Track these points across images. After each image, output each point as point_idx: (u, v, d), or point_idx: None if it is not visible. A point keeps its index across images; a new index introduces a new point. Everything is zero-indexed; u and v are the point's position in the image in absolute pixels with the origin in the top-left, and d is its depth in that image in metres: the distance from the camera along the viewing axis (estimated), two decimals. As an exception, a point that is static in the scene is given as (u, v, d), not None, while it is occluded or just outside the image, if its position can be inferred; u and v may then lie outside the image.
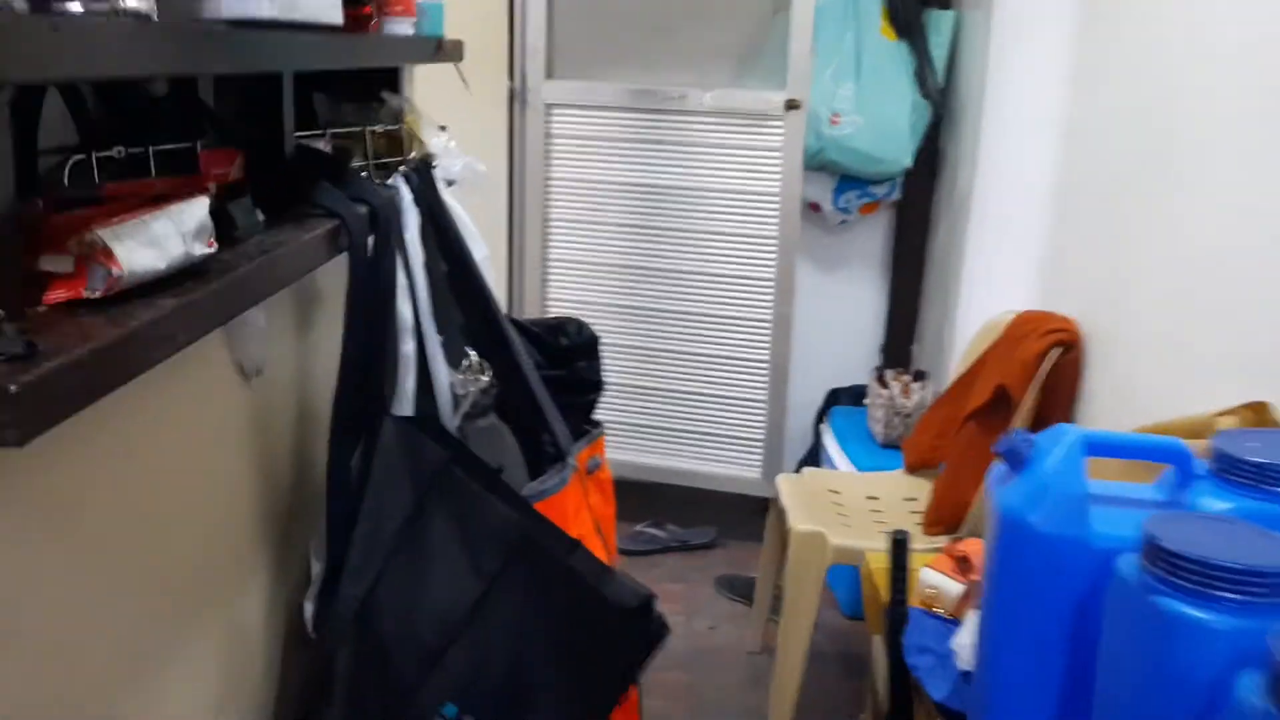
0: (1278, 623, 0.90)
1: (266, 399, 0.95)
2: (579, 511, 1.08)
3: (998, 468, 1.30)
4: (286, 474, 1.01)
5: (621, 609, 0.94)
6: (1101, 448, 1.21)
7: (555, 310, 3.08)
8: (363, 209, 0.95)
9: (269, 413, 0.96)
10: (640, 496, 3.24)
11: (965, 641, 1.53)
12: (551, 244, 3.07)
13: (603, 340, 3.07)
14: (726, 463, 3.13)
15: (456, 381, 1.06)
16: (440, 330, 1.06)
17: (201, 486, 0.84)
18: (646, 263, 3.03)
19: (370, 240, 0.97)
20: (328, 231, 0.89)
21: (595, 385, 1.18)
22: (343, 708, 0.90)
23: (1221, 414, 1.48)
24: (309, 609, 0.96)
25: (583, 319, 1.19)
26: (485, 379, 1.06)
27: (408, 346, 1.01)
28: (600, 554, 1.08)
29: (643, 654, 0.96)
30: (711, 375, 3.08)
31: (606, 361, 3.15)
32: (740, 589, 2.82)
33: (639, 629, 0.94)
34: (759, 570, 2.57)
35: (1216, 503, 1.14)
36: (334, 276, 0.97)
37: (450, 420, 1.05)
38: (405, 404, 1.01)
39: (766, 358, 3.02)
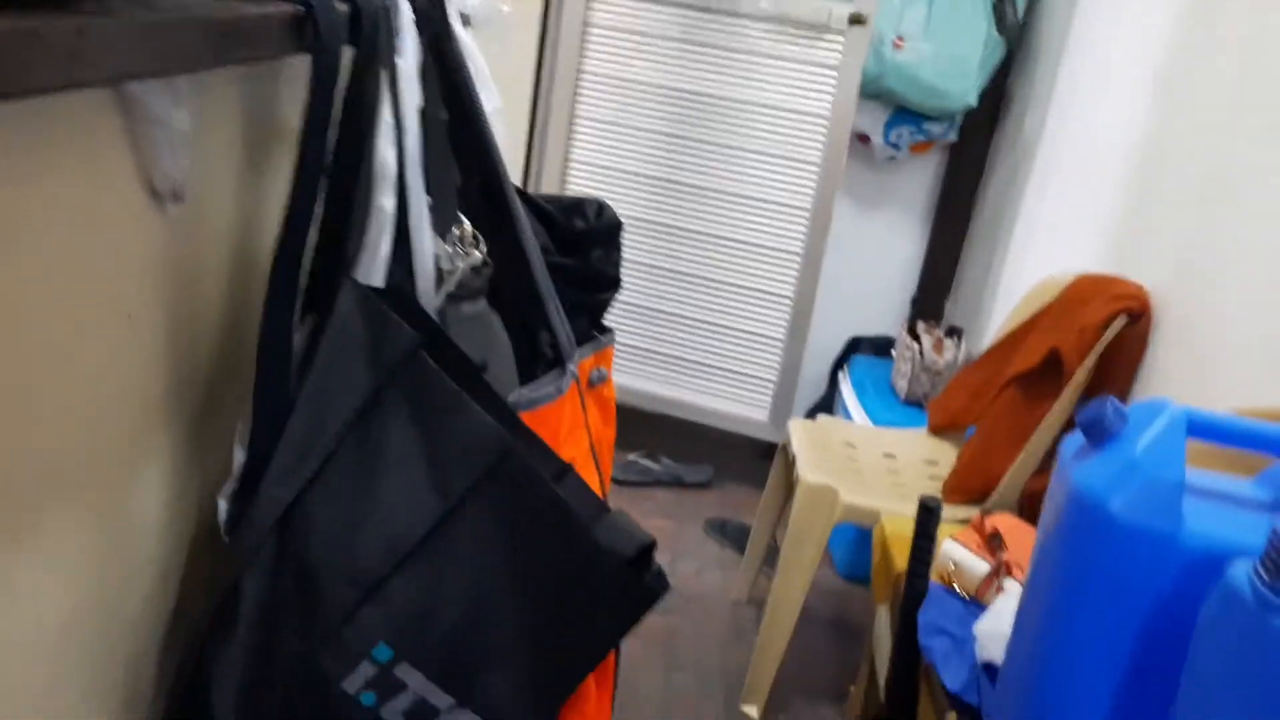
0: None
1: (190, 235, 0.74)
2: (575, 430, 0.89)
3: (1073, 440, 1.10)
4: (213, 336, 0.81)
5: (615, 556, 0.74)
6: (1207, 430, 1.01)
7: (571, 215, 2.86)
8: (342, 4, 0.74)
9: (193, 254, 0.76)
10: (638, 424, 3.05)
11: (992, 630, 1.35)
12: (576, 144, 2.83)
13: (626, 258, 2.89)
14: (733, 400, 2.94)
15: (443, 254, 0.85)
16: (430, 190, 0.85)
17: (85, 342, 0.64)
18: (674, 175, 2.80)
19: (349, 53, 0.76)
20: (287, 16, 0.67)
21: (611, 281, 0.98)
22: (248, 637, 0.72)
23: (1327, 408, 1.28)
24: (223, 508, 0.77)
25: (605, 202, 0.98)
26: (478, 256, 0.86)
27: (385, 201, 0.80)
28: (594, 483, 0.89)
29: (634, 613, 0.78)
30: (729, 304, 2.87)
31: (627, 279, 2.95)
32: (732, 534, 2.65)
33: (633, 583, 0.75)
34: (756, 518, 2.39)
35: (1338, 511, 0.94)
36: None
37: (430, 299, 0.84)
38: (375, 272, 0.81)
39: (790, 293, 2.81)
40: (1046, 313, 2.05)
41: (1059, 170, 2.46)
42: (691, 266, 2.86)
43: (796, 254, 2.78)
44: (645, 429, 3.04)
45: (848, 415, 2.72)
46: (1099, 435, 1.05)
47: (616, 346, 2.99)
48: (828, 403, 3.06)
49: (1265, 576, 0.79)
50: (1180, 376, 1.75)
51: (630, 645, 2.19)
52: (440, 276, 0.86)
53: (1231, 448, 1.13)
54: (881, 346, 3.01)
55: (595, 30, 2.75)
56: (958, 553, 1.57)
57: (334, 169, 0.76)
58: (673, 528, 2.71)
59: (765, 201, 2.77)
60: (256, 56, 0.64)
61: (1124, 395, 1.86)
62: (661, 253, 2.87)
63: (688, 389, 2.96)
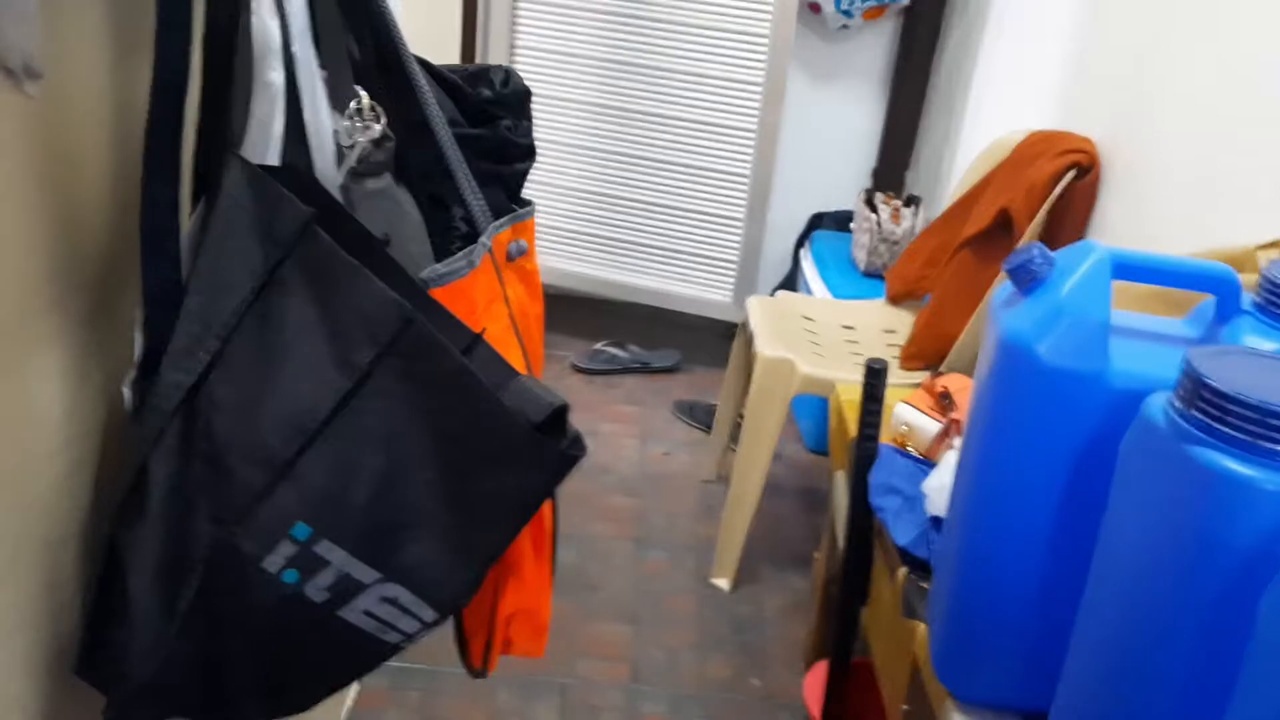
0: (1347, 488, 0.71)
1: (60, 115, 0.71)
2: (492, 304, 0.87)
3: (1004, 288, 1.10)
4: (101, 220, 0.78)
5: (525, 422, 0.74)
6: (1132, 270, 1.01)
7: (520, 103, 2.80)
8: None
9: (66, 134, 0.73)
10: (603, 313, 3.05)
11: (938, 484, 1.37)
12: (520, 30, 2.75)
13: (572, 142, 2.83)
14: (696, 283, 2.93)
15: (341, 129, 0.83)
16: (324, 64, 0.82)
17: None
18: (623, 56, 2.74)
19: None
20: None
21: (525, 151, 0.95)
22: (160, 519, 0.72)
23: (1264, 246, 1.28)
24: (127, 395, 0.76)
25: (512, 68, 0.95)
26: (378, 128, 0.83)
27: (272, 75, 0.77)
28: (516, 357, 0.88)
29: (549, 478, 0.78)
30: (686, 187, 2.83)
31: (574, 164, 2.91)
32: (699, 415, 2.67)
33: (546, 448, 0.75)
34: (720, 396, 2.41)
35: (1263, 341, 0.95)
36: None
37: (330, 176, 0.82)
38: (269, 150, 0.78)
39: (747, 171, 2.77)
40: (997, 173, 2.03)
41: (1011, 27, 2.41)
42: (646, 150, 2.81)
43: (751, 131, 2.74)
44: (611, 317, 3.04)
45: (810, 291, 2.71)
46: (1026, 281, 1.05)
47: (577, 236, 2.96)
48: (791, 280, 3.06)
49: (1179, 405, 0.79)
50: (1127, 228, 1.74)
51: (600, 527, 2.24)
52: (340, 153, 0.84)
53: (1162, 287, 1.13)
54: (844, 221, 2.99)
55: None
56: (909, 414, 1.59)
57: (207, 42, 0.73)
58: (642, 412, 2.73)
59: (716, 78, 2.71)
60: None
61: (1074, 250, 1.86)
62: (615, 137, 2.82)
63: (651, 275, 2.95)
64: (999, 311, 1.07)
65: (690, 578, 2.13)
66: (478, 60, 2.70)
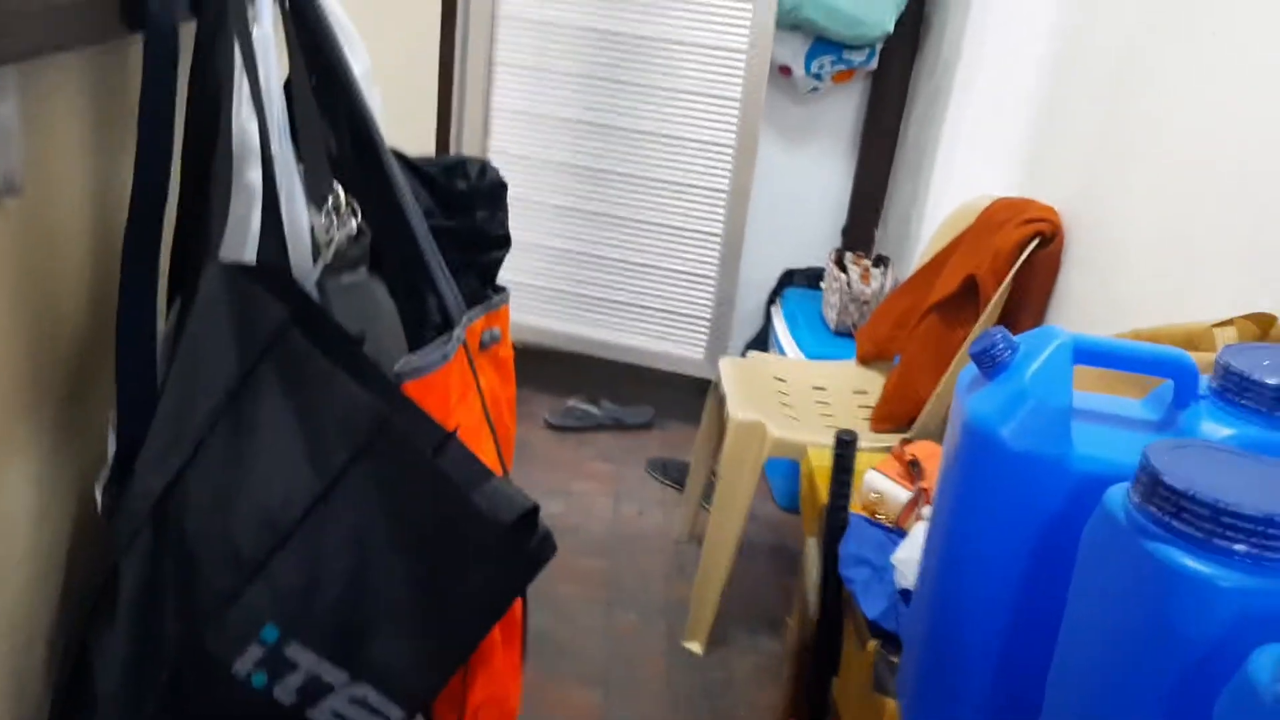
0: (1299, 585, 0.73)
1: (37, 225, 0.72)
2: (465, 395, 0.88)
3: (969, 371, 1.12)
4: (76, 325, 0.79)
5: (497, 524, 0.75)
6: (1094, 356, 1.04)
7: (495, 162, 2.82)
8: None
9: (43, 243, 0.74)
10: (576, 369, 3.06)
11: (907, 557, 1.38)
12: (497, 90, 2.79)
13: (547, 201, 2.86)
14: (669, 340, 2.95)
15: (318, 224, 0.84)
16: (301, 160, 0.84)
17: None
18: (597, 117, 2.77)
19: (191, 20, 0.74)
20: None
21: (498, 241, 0.97)
22: (130, 620, 0.71)
23: (1219, 324, 1.31)
24: (99, 497, 0.76)
25: (489, 161, 0.97)
26: (354, 223, 0.85)
27: (251, 175, 0.78)
28: (487, 448, 0.89)
29: (520, 578, 0.79)
30: (660, 245, 2.86)
31: (549, 222, 2.93)
32: (673, 473, 2.68)
33: (516, 549, 0.76)
34: (693, 456, 2.42)
35: (1219, 428, 0.97)
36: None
37: (307, 272, 0.83)
38: (246, 248, 0.79)
39: (719, 230, 2.81)
40: (964, 238, 2.07)
41: (976, 93, 2.47)
42: (621, 208, 2.85)
43: (723, 190, 2.78)
44: (585, 373, 3.05)
45: (781, 349, 2.74)
46: (990, 366, 1.07)
47: (553, 293, 2.98)
48: (763, 337, 3.09)
49: (1137, 500, 0.81)
50: (1090, 296, 1.78)
51: (570, 589, 2.23)
52: (317, 249, 0.85)
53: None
54: (814, 278, 3.03)
55: (507, -28, 2.69)
56: (880, 482, 1.61)
57: (187, 144, 0.75)
58: (615, 470, 2.73)
59: (689, 140, 2.75)
60: (81, 41, 0.62)
61: (1039, 316, 1.90)
62: (591, 196, 2.85)
63: (625, 332, 2.97)
64: (964, 394, 1.09)
65: (662, 640, 2.13)
66: (454, 122, 2.73)
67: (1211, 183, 1.47)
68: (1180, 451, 0.84)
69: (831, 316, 2.70)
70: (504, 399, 0.99)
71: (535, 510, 0.78)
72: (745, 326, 3.14)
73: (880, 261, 2.72)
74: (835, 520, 1.49)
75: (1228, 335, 1.29)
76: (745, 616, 2.20)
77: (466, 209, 0.94)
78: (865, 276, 2.63)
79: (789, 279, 3.10)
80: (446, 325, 0.88)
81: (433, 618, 0.75)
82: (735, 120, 2.70)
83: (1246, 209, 1.40)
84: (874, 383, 2.25)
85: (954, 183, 2.51)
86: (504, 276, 3.17)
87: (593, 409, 2.92)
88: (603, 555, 2.37)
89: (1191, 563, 0.75)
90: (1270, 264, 1.34)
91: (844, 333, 2.65)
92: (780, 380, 2.26)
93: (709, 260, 2.85)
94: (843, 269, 2.69)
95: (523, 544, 0.77)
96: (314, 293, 0.83)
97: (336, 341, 0.77)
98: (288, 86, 0.86)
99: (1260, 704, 0.64)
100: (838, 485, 1.49)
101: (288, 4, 0.83)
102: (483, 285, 0.96)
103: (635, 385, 3.03)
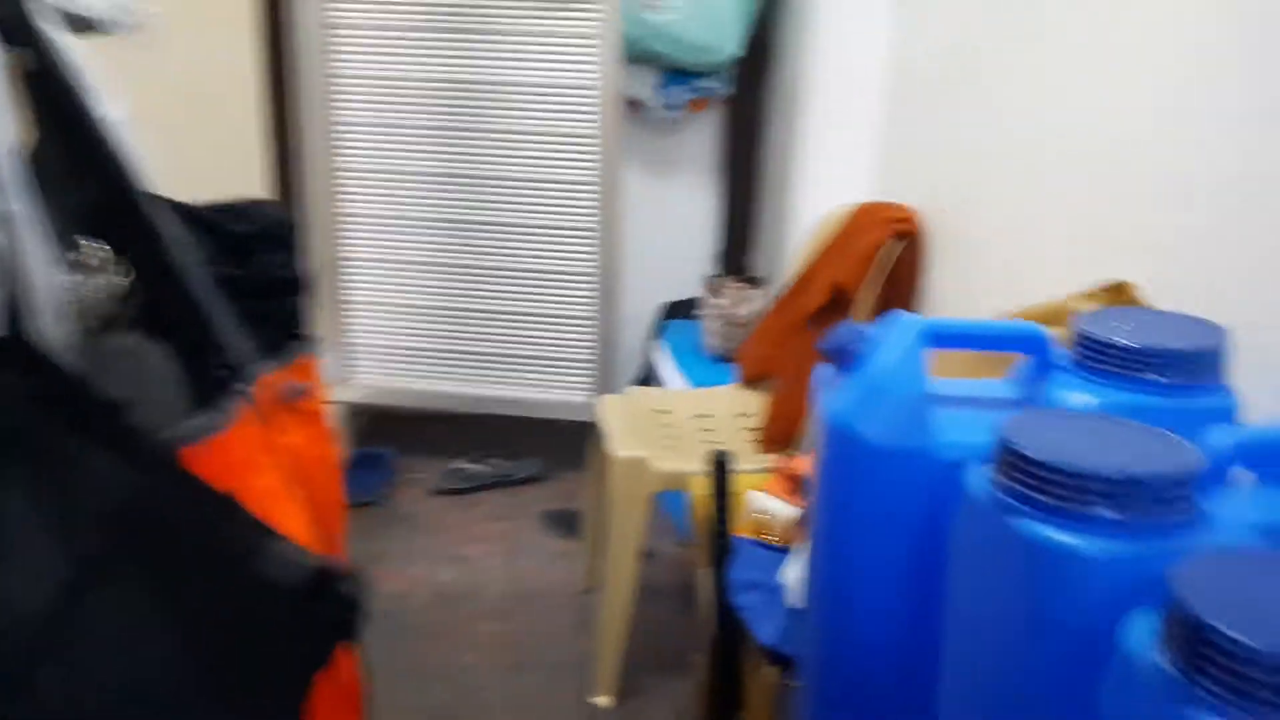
0: (1168, 545, 0.69)
1: None
2: (258, 456, 0.79)
3: (825, 369, 1.07)
4: None
5: (283, 588, 0.66)
6: (944, 338, 1.00)
7: (347, 225, 2.72)
8: None
9: None
10: (460, 430, 2.95)
11: (795, 575, 1.32)
12: (339, 151, 2.70)
13: (409, 258, 2.77)
14: (553, 387, 2.87)
15: (67, 284, 0.74)
16: (45, 217, 0.74)
17: None
18: (453, 169, 2.70)
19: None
20: None
21: (289, 284, 0.88)
22: None
23: (1079, 297, 1.29)
24: None
25: (273, 199, 0.89)
26: (111, 280, 0.75)
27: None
28: (293, 512, 0.80)
29: (321, 643, 0.70)
30: (534, 291, 2.79)
31: (415, 280, 2.83)
32: (569, 524, 2.59)
33: (311, 612, 0.67)
34: (585, 501, 2.33)
35: (1080, 396, 0.93)
36: None
37: (57, 339, 0.73)
38: (-13, 316, 0.69)
39: (593, 270, 2.75)
40: (828, 248, 2.05)
41: (826, 108, 2.48)
42: (488, 259, 2.77)
43: (593, 230, 2.72)
44: (469, 433, 2.95)
45: (666, 382, 2.68)
46: (843, 361, 1.02)
47: (424, 353, 2.86)
48: (648, 373, 3.03)
49: (995, 477, 0.76)
50: (954, 290, 1.77)
51: (465, 659, 2.12)
52: (79, 310, 0.75)
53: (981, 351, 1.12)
54: (693, 308, 2.99)
55: (340, 31, 2.61)
56: (764, 502, 1.55)
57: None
58: (508, 529, 2.63)
59: (551, 181, 2.70)
60: None
61: (908, 317, 1.88)
62: (453, 249, 2.76)
63: (506, 384, 2.88)
64: (822, 393, 1.04)
65: (571, 699, 2.02)
66: (295, 188, 2.63)
67: (1055, 171, 1.47)
68: (1036, 422, 0.80)
69: (712, 343, 2.66)
70: (319, 459, 0.90)
71: (326, 570, 0.69)
72: (629, 365, 3.08)
73: (754, 283, 2.70)
74: (720, 545, 1.42)
75: (1088, 307, 1.28)
76: (656, 662, 2.11)
77: (250, 253, 0.85)
78: (740, 299, 2.60)
79: (669, 312, 3.06)
80: (232, 382, 0.79)
81: (235, 702, 0.65)
82: (597, 157, 2.65)
83: (1080, 190, 1.40)
84: (757, 404, 2.20)
85: (817, 197, 2.50)
86: (372, 341, 3.03)
87: (479, 468, 2.82)
88: (502, 618, 2.26)
89: (1057, 535, 0.70)
90: (1111, 235, 1.34)
91: (726, 358, 2.61)
92: (662, 412, 2.20)
93: (585, 301, 2.79)
94: (717, 294, 2.65)
95: (315, 606, 0.68)
96: (68, 361, 0.73)
97: (94, 413, 0.67)
98: (40, 143, 0.77)
99: (1141, 675, 0.58)
100: (717, 510, 1.42)
101: (29, 60, 0.75)
102: (287, 337, 0.87)
103: (524, 438, 2.94)
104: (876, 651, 1.01)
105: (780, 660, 1.27)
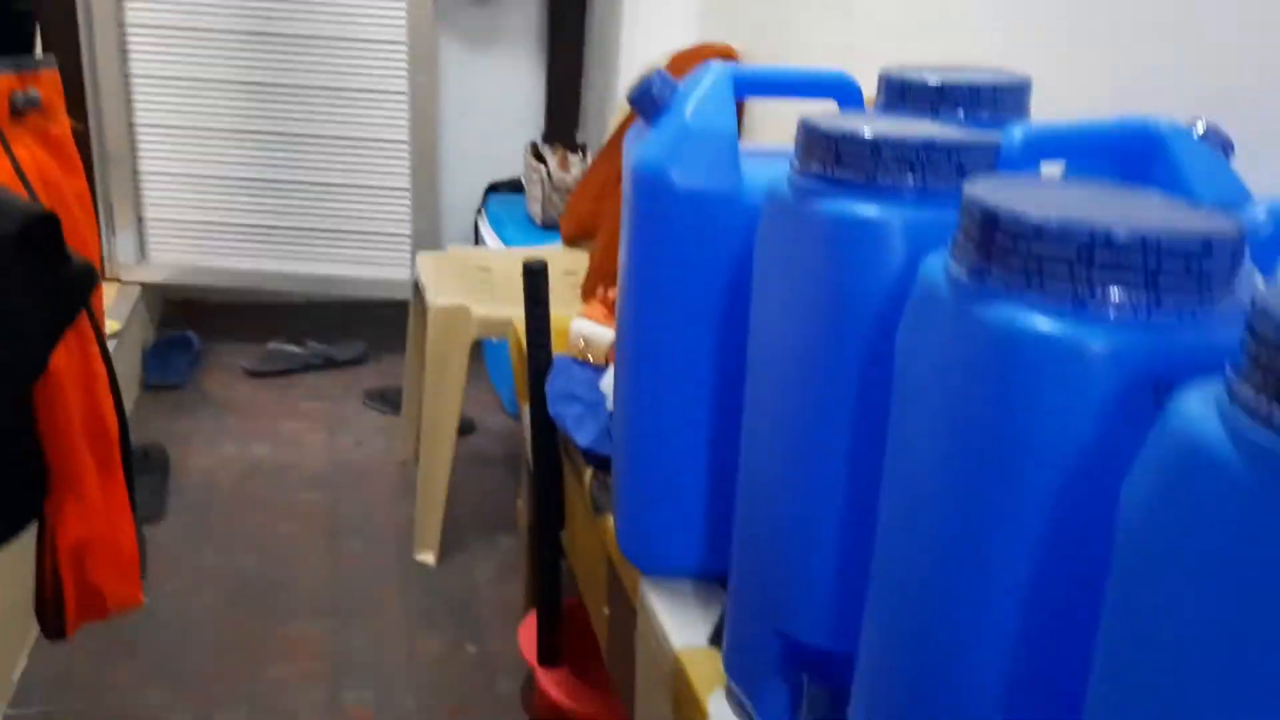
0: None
1: None
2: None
3: (635, 126, 1.03)
4: None
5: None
6: (754, 85, 0.97)
7: (142, 87, 2.51)
8: None
9: None
10: (275, 312, 2.80)
11: (611, 383, 1.30)
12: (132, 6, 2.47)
13: (211, 125, 2.57)
14: (371, 264, 2.75)
15: None
16: None
17: None
18: (258, 27, 2.52)
19: None
20: None
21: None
22: None
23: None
24: None
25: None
26: None
27: None
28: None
29: (60, 298, 0.61)
30: (342, 160, 2.65)
31: (215, 148, 2.62)
32: (392, 399, 2.50)
33: (36, 260, 0.58)
34: (405, 371, 2.25)
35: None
36: None
37: None
38: None
39: (405, 137, 2.63)
40: (649, 94, 2.01)
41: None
42: (292, 125, 2.61)
43: (402, 94, 2.60)
44: (286, 315, 2.80)
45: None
46: (651, 109, 0.98)
47: (234, 228, 2.68)
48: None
49: (798, 165, 0.74)
50: (777, 132, 1.76)
51: (290, 526, 2.02)
52: None
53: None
54: (518, 185, 2.91)
55: None
56: (585, 327, 1.51)
57: None
58: (328, 407, 2.52)
59: (358, 40, 2.55)
60: None
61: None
62: (258, 115, 2.59)
63: (321, 261, 2.74)
64: (630, 147, 1.00)
65: (393, 561, 1.96)
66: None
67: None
68: (829, 117, 0.77)
69: (536, 210, 2.59)
70: (69, 190, 0.80)
71: (48, 218, 0.61)
72: (456, 243, 2.98)
73: (578, 148, 2.64)
74: (536, 358, 1.38)
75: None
76: (482, 524, 2.07)
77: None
78: (564, 163, 2.54)
79: (494, 191, 2.97)
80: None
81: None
82: (403, 17, 2.52)
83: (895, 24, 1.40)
84: (582, 261, 2.16)
85: (645, 52, 2.45)
86: (172, 215, 2.83)
87: (297, 349, 2.68)
88: (321, 488, 2.17)
89: (860, 209, 0.68)
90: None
91: (551, 225, 2.55)
92: (485, 269, 2.13)
93: (400, 172, 2.67)
94: (541, 160, 2.58)
95: (40, 255, 0.59)
96: None
97: None
98: None
99: (933, 293, 0.57)
100: (533, 320, 1.38)
101: None
102: (19, 42, 0.76)
103: (344, 322, 2.81)
104: (681, 402, 0.98)
105: (597, 462, 1.25)
